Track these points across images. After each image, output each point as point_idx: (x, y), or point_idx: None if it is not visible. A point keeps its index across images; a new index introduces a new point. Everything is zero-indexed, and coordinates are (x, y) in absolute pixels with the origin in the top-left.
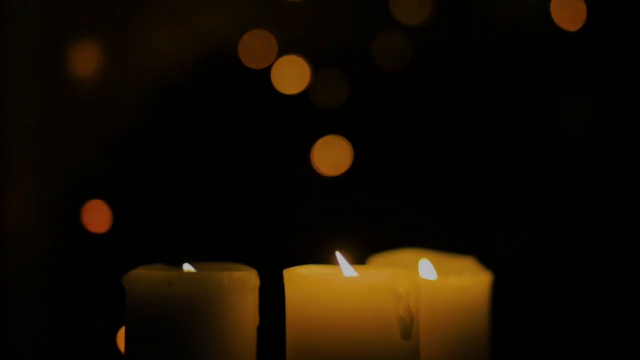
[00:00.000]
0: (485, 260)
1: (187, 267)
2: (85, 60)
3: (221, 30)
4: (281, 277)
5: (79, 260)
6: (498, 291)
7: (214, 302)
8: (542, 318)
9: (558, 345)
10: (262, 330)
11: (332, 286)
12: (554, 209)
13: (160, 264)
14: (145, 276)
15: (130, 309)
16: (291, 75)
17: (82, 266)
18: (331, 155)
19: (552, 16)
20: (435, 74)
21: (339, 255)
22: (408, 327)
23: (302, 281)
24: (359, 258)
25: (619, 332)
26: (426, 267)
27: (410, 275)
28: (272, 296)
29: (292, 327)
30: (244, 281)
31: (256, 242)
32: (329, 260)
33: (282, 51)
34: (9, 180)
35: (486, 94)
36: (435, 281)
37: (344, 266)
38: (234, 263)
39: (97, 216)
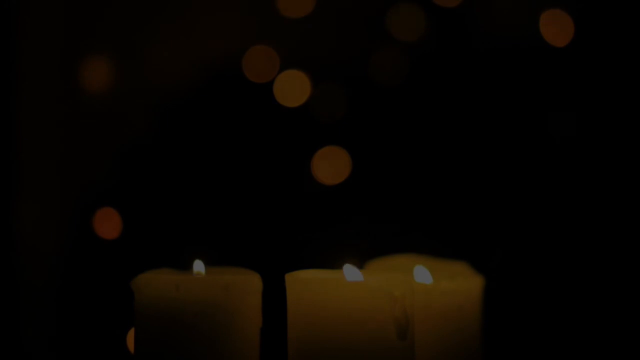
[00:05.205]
0: (478, 265)
1: (197, 264)
2: (97, 73)
3: (226, 46)
4: (283, 281)
5: (90, 265)
6: (490, 295)
7: (218, 305)
8: (533, 321)
9: (549, 348)
10: (265, 331)
11: (332, 290)
12: (547, 216)
13: (167, 269)
14: (153, 280)
15: (139, 311)
16: (292, 89)
17: (93, 271)
18: (331, 165)
19: (541, 33)
20: (430, 88)
21: (348, 267)
22: (404, 329)
23: (303, 285)
24: (357, 263)
25: (612, 337)
26: (421, 273)
27: (406, 279)
28: (275, 299)
29: (294, 329)
30: (248, 285)
31: (259, 247)
32: (329, 264)
33: (284, 66)
34: (22, 188)
35: (479, 107)
36: (430, 285)
37: (355, 275)
38: (238, 267)
39: (108, 223)
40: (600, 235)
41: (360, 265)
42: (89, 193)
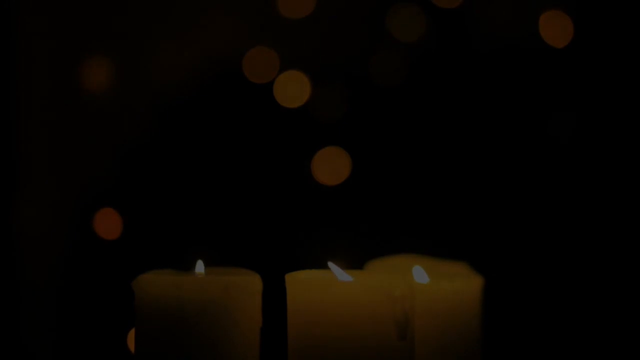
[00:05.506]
0: (478, 266)
1: (199, 266)
2: (97, 73)
3: (226, 46)
4: (283, 281)
5: (90, 265)
6: (490, 295)
7: (219, 305)
8: (533, 321)
9: (549, 348)
10: (265, 331)
11: (332, 290)
12: (547, 216)
13: (168, 269)
14: (154, 280)
15: (140, 311)
16: (292, 90)
17: (94, 271)
18: (330, 166)
19: (540, 33)
20: (430, 89)
21: (331, 265)
22: (403, 329)
23: (303, 285)
24: (357, 263)
25: (612, 337)
26: (419, 274)
27: (406, 280)
28: (275, 299)
29: (294, 329)
30: (248, 285)
31: (259, 247)
32: (328, 265)
33: (284, 67)
34: (23, 188)
35: (479, 108)
36: (429, 285)
37: (338, 274)
38: (239, 268)
39: (108, 223)
40: (600, 235)
41: (358, 265)
42: (89, 193)
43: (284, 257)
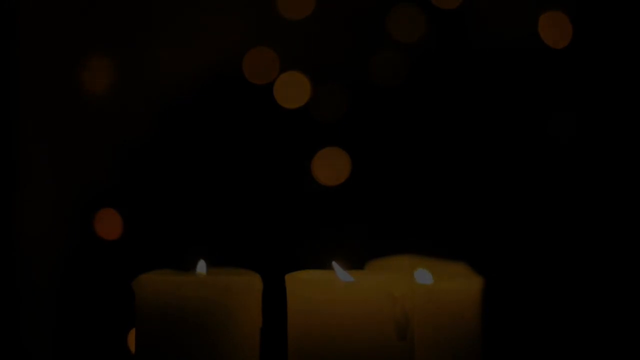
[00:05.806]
0: (478, 266)
1: (201, 265)
2: (98, 73)
3: (226, 47)
4: (283, 281)
5: (91, 266)
6: (490, 295)
7: (219, 305)
8: (533, 321)
9: (549, 348)
10: (265, 331)
11: (332, 290)
12: (547, 216)
13: (168, 269)
14: (154, 280)
15: (140, 311)
16: (293, 91)
17: (94, 271)
18: (331, 166)
19: (539, 35)
20: (430, 89)
21: (335, 265)
22: (403, 329)
23: (303, 285)
24: (357, 263)
25: (612, 337)
26: (422, 275)
27: (406, 280)
28: (275, 299)
29: (294, 329)
30: (248, 285)
31: (259, 248)
32: (329, 265)
33: (284, 68)
34: (23, 188)
35: (479, 108)
36: (429, 285)
37: (341, 274)
38: (239, 268)
39: (108, 223)
40: (600, 235)
41: (359, 265)
42: (89, 193)
43: (284, 257)
